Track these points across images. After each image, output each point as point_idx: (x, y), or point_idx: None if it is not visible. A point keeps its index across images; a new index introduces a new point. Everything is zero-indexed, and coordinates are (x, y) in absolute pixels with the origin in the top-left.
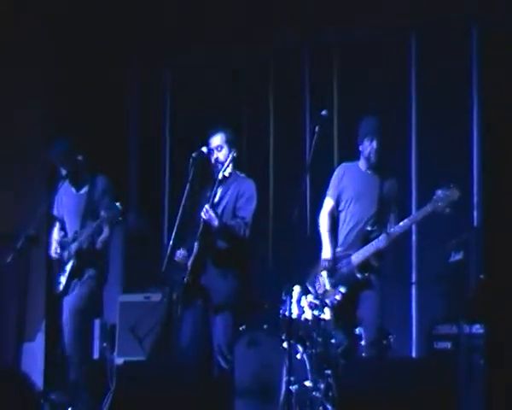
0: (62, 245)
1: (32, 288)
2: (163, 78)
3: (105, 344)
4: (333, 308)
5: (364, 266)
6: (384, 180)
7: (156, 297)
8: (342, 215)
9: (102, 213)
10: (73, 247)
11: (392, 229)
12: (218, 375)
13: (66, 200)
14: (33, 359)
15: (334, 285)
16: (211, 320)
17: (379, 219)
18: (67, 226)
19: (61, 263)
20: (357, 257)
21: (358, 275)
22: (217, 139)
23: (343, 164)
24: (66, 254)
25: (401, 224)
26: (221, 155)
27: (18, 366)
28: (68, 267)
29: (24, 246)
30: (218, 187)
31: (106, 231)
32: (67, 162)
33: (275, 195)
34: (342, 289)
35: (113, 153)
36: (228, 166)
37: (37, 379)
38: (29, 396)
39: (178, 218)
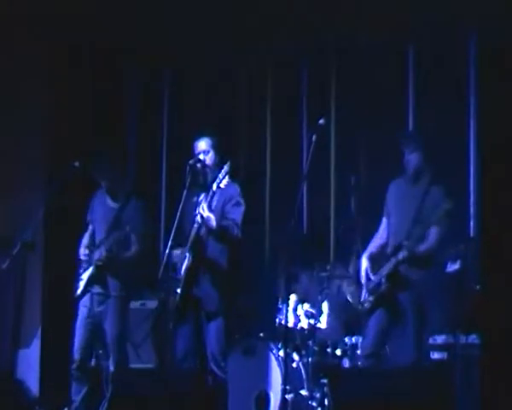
0: (89, 250)
1: (28, 294)
2: (162, 81)
3: (101, 351)
4: (363, 316)
5: (392, 277)
6: (426, 194)
7: (152, 304)
8: (389, 232)
9: (127, 227)
10: (95, 255)
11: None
12: (213, 382)
13: (100, 208)
14: (29, 365)
15: (368, 295)
16: (204, 328)
17: (415, 232)
18: (96, 234)
19: (82, 268)
20: (385, 268)
21: (383, 285)
22: (202, 144)
23: (394, 180)
24: (87, 259)
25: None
26: (208, 158)
27: (13, 372)
28: (87, 274)
29: (20, 252)
30: (212, 197)
31: (135, 247)
32: (103, 178)
33: (272, 203)
34: (371, 298)
35: (111, 153)
36: (224, 177)
37: (33, 385)
38: (24, 403)
39: (175, 225)
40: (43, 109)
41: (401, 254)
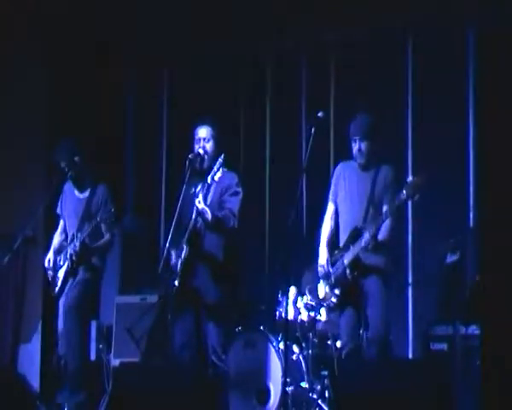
0: (60, 250)
1: (29, 289)
2: (160, 79)
3: (101, 346)
4: (330, 311)
5: (355, 264)
6: (377, 176)
7: (152, 299)
8: (340, 219)
9: (98, 217)
10: (69, 249)
11: (372, 225)
12: (213, 374)
13: (68, 201)
14: (30, 360)
15: (331, 288)
16: (203, 321)
17: (371, 217)
18: (67, 228)
19: (57, 265)
20: (347, 256)
21: (348, 275)
22: (204, 131)
23: (340, 163)
24: (62, 256)
25: (379, 218)
26: (208, 147)
27: (15, 367)
28: (63, 270)
29: (21, 247)
30: (208, 189)
31: (107, 236)
32: (69, 164)
33: (271, 196)
34: (337, 291)
35: (109, 153)
36: (218, 170)
37: (34, 380)
38: (25, 397)
39: (175, 219)
40: (44, 109)
41: (364, 240)
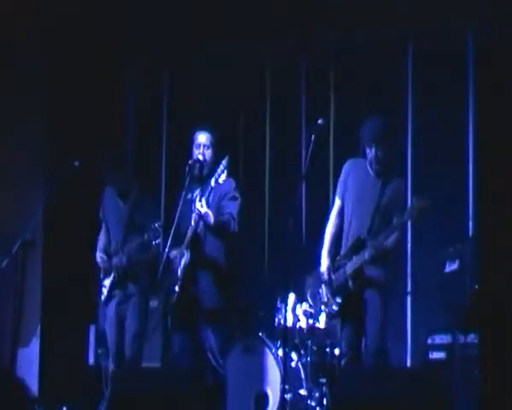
0: (107, 254)
1: (28, 292)
2: (160, 79)
3: (100, 351)
4: (331, 318)
5: (357, 275)
6: (387, 185)
7: (152, 304)
8: (345, 219)
9: (145, 235)
10: (115, 260)
11: (376, 239)
12: (212, 379)
13: (111, 207)
14: (28, 363)
15: (333, 296)
16: (202, 325)
17: (377, 227)
18: (111, 234)
19: (105, 273)
20: (349, 267)
21: (350, 285)
22: (203, 137)
23: (351, 160)
24: (107, 265)
25: (383, 234)
26: (207, 153)
27: (13, 370)
28: (109, 281)
29: (20, 250)
30: (210, 193)
31: (153, 250)
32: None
33: (271, 203)
34: (338, 299)
35: (109, 153)
36: (222, 172)
37: (32, 384)
38: (24, 401)
39: (174, 225)
40: (44, 109)
41: (367, 254)
